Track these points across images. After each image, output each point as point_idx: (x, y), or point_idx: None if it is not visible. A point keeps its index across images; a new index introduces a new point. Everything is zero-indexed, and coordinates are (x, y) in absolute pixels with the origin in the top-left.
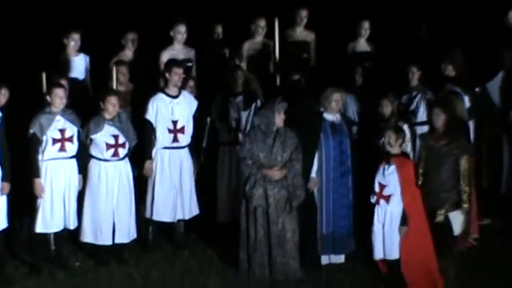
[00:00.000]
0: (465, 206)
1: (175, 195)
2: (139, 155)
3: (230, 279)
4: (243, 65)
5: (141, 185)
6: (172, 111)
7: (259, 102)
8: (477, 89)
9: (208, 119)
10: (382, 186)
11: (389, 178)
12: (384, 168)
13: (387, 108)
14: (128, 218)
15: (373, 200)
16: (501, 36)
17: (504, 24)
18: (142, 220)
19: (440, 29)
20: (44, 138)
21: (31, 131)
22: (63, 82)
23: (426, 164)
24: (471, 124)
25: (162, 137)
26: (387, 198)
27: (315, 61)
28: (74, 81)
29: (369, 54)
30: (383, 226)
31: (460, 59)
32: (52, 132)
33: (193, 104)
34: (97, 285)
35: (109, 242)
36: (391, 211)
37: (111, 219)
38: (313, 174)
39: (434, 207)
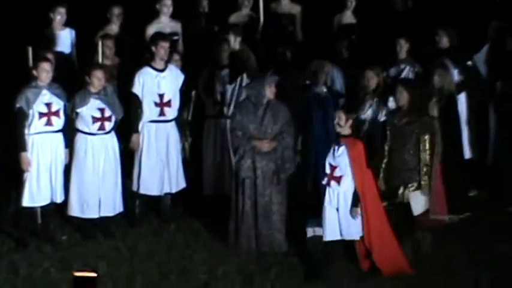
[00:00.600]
0: (424, 186)
1: (162, 168)
2: (126, 128)
3: (217, 252)
4: (239, 39)
5: (128, 158)
6: (159, 84)
7: (245, 76)
8: (469, 63)
9: (194, 92)
10: (332, 168)
11: (339, 159)
12: (334, 149)
13: (372, 80)
14: (114, 192)
15: (324, 181)
16: (487, 7)
17: None
18: (129, 194)
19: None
20: (31, 112)
21: (17, 105)
22: (50, 56)
23: (391, 142)
24: (463, 96)
25: (149, 110)
26: (338, 180)
27: (301, 34)
28: (59, 56)
29: (354, 27)
30: (337, 208)
31: (453, 31)
32: (38, 106)
33: (180, 77)
34: (84, 258)
35: (95, 216)
36: (343, 192)
37: (97, 193)
38: (300, 146)
39: (397, 185)
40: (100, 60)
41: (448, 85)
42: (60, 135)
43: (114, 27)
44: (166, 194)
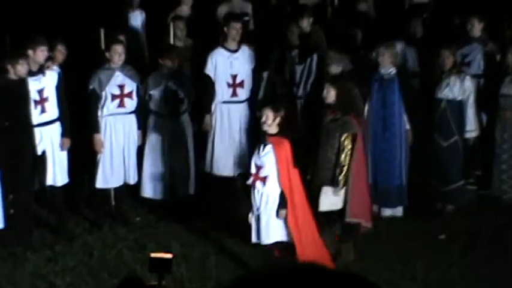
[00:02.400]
0: (339, 185)
1: (235, 149)
2: (199, 109)
3: None
4: (309, 20)
5: (201, 139)
6: (231, 65)
7: (315, 57)
8: None
9: (266, 73)
10: (258, 168)
11: (264, 159)
12: (259, 149)
13: (448, 59)
14: (187, 174)
15: (249, 181)
16: None
17: None
18: (202, 175)
19: None
20: (103, 94)
21: (91, 87)
22: (122, 38)
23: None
24: None
25: (221, 91)
26: (263, 180)
27: (374, 14)
28: (130, 37)
29: (427, 5)
30: (258, 209)
31: None
32: (111, 88)
33: (253, 58)
34: (158, 239)
35: (168, 197)
36: (267, 193)
37: (169, 175)
38: None
39: (319, 184)
40: (172, 41)
41: None
42: (132, 117)
43: (185, 9)
44: (239, 174)
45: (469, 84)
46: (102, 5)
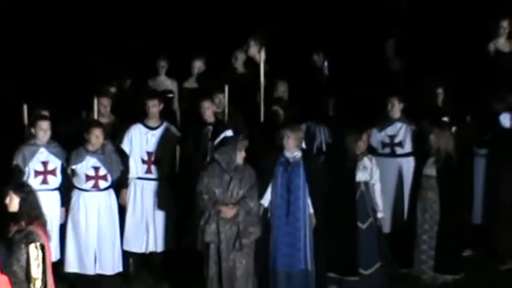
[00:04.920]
0: None
1: (147, 226)
2: (117, 184)
3: None
4: (224, 96)
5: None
6: (147, 142)
7: (228, 133)
8: (454, 129)
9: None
10: None
11: None
12: None
13: (361, 143)
14: (111, 250)
15: None
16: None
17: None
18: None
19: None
20: (27, 169)
21: (14, 162)
22: (46, 114)
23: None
24: None
25: (135, 167)
26: None
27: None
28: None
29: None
30: None
31: (448, 90)
32: (34, 164)
33: (175, 136)
34: None
35: (91, 272)
36: None
37: (92, 250)
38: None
39: None
40: (95, 117)
41: (445, 145)
42: (56, 194)
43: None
44: (157, 253)
45: (373, 166)
46: (26, 80)
